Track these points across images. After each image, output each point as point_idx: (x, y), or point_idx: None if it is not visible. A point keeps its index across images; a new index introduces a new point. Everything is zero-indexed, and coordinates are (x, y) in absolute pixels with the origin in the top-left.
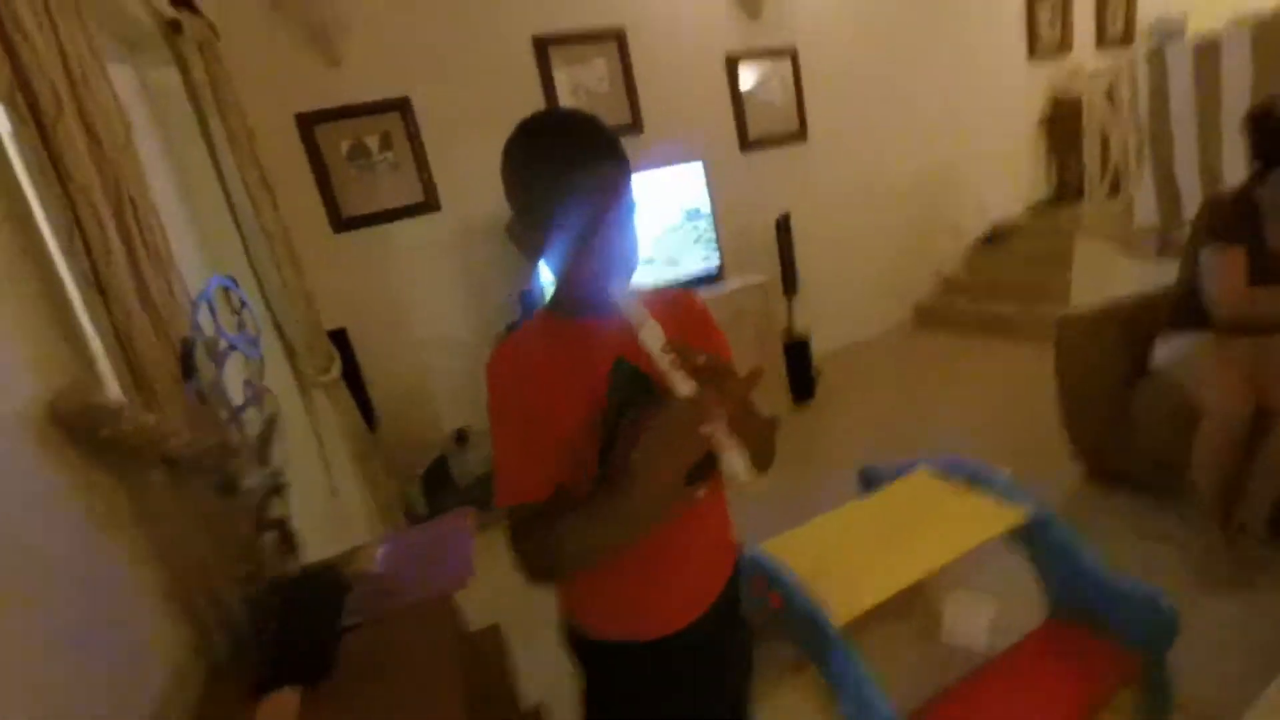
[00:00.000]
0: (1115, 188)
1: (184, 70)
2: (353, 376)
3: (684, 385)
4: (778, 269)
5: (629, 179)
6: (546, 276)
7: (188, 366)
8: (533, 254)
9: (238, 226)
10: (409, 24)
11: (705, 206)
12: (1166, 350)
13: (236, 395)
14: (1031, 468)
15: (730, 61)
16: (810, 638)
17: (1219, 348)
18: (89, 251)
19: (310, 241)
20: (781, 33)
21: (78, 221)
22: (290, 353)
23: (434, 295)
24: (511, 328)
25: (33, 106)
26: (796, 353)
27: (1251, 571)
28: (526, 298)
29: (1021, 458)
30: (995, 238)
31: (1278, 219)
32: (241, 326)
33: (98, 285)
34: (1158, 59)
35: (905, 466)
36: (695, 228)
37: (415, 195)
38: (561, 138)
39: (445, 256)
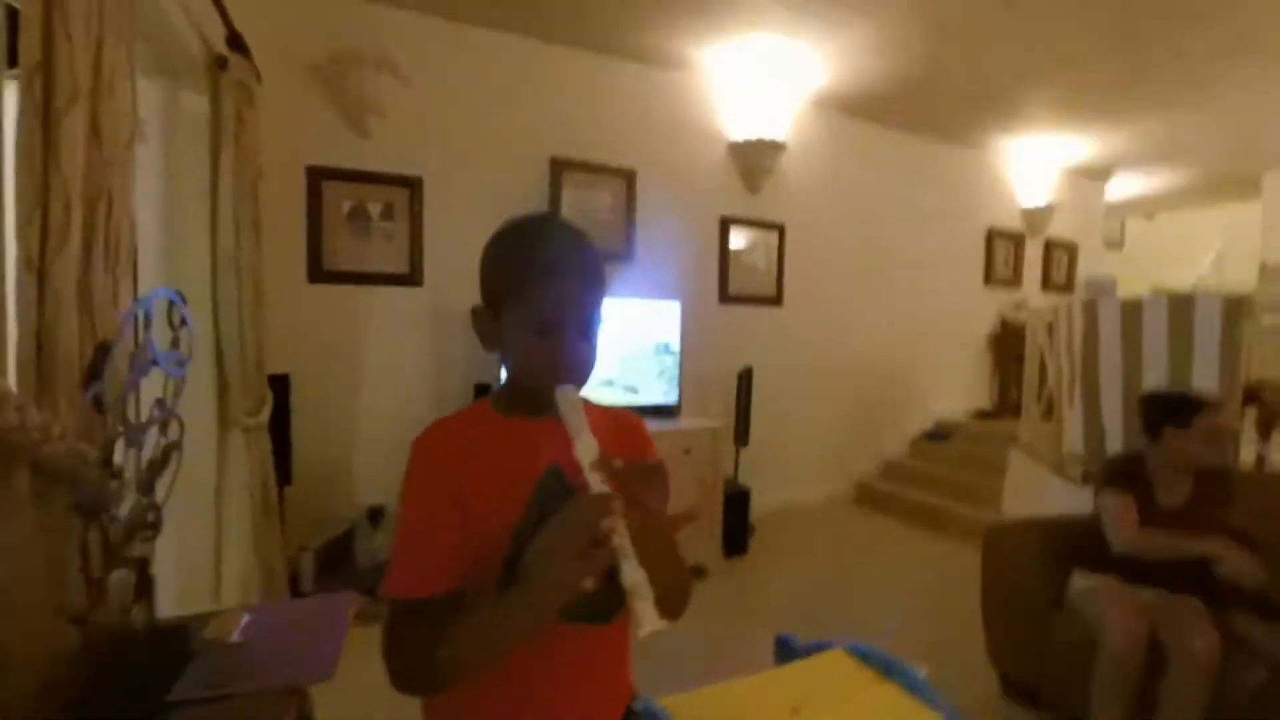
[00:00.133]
0: (1049, 412)
1: (215, 102)
2: (280, 426)
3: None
4: (732, 418)
5: (597, 295)
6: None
7: (95, 370)
8: (490, 344)
9: (213, 253)
10: (439, 118)
11: (675, 344)
12: (1078, 583)
13: (144, 414)
14: (948, 668)
15: (724, 223)
16: None
17: (1122, 588)
18: (44, 237)
19: (282, 284)
20: (775, 209)
21: (45, 206)
22: (223, 387)
23: (390, 365)
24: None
25: (49, 91)
26: (737, 504)
27: None
28: (481, 391)
29: (940, 655)
30: (938, 434)
31: (1162, 481)
32: (175, 344)
33: (39, 271)
34: (1091, 308)
35: (823, 644)
36: (661, 361)
37: (401, 266)
38: (539, 242)
39: (412, 331)
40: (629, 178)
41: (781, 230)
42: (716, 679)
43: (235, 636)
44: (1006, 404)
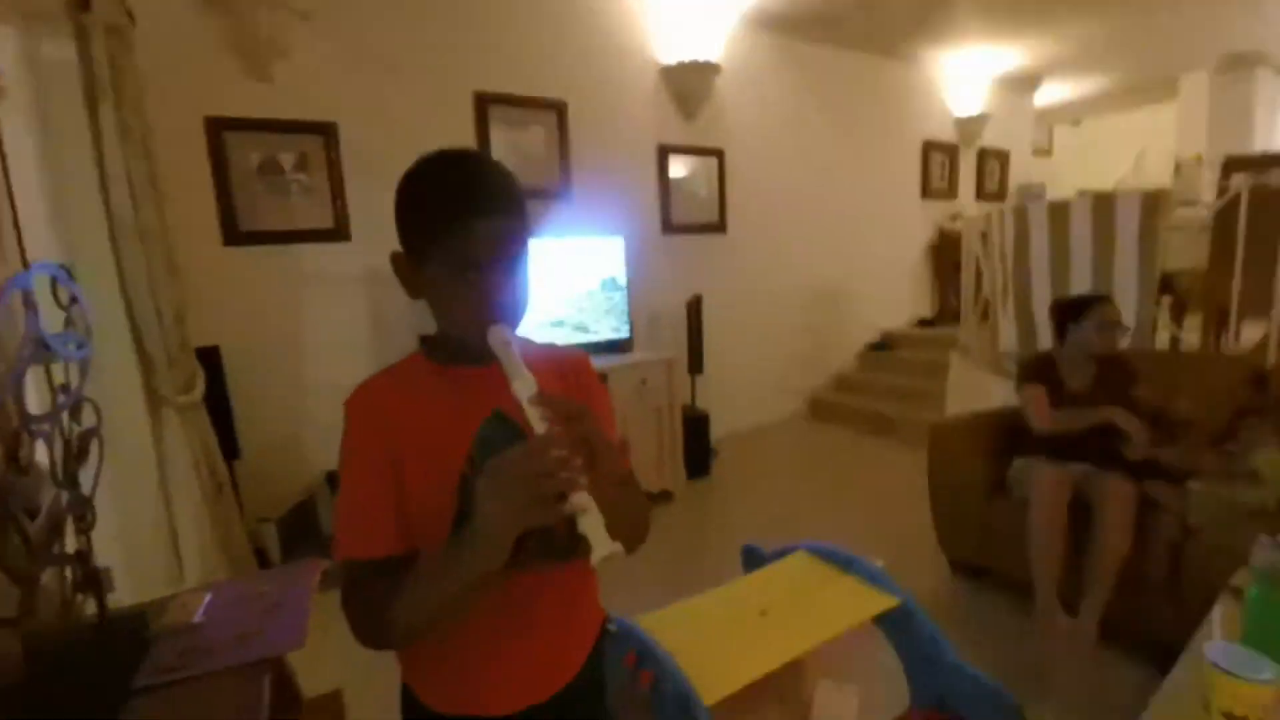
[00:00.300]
0: (985, 315)
1: (83, 49)
2: (218, 401)
3: (543, 430)
4: (685, 348)
5: (522, 229)
6: None
7: None
8: (414, 291)
9: (109, 221)
10: (352, 55)
11: (622, 279)
12: (1015, 465)
13: (45, 403)
14: (903, 560)
15: (662, 151)
16: (680, 718)
17: (1049, 463)
18: None
19: (195, 250)
20: (712, 134)
21: None
22: (147, 366)
23: (328, 327)
24: None
25: None
26: (696, 429)
27: (1088, 670)
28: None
29: (894, 549)
30: (884, 345)
31: (1070, 372)
32: (69, 324)
33: None
34: (1021, 213)
35: (785, 549)
36: (610, 298)
37: (325, 221)
38: (455, 178)
39: (347, 289)
40: (560, 109)
41: (721, 156)
42: (692, 595)
43: (198, 617)
44: (946, 311)
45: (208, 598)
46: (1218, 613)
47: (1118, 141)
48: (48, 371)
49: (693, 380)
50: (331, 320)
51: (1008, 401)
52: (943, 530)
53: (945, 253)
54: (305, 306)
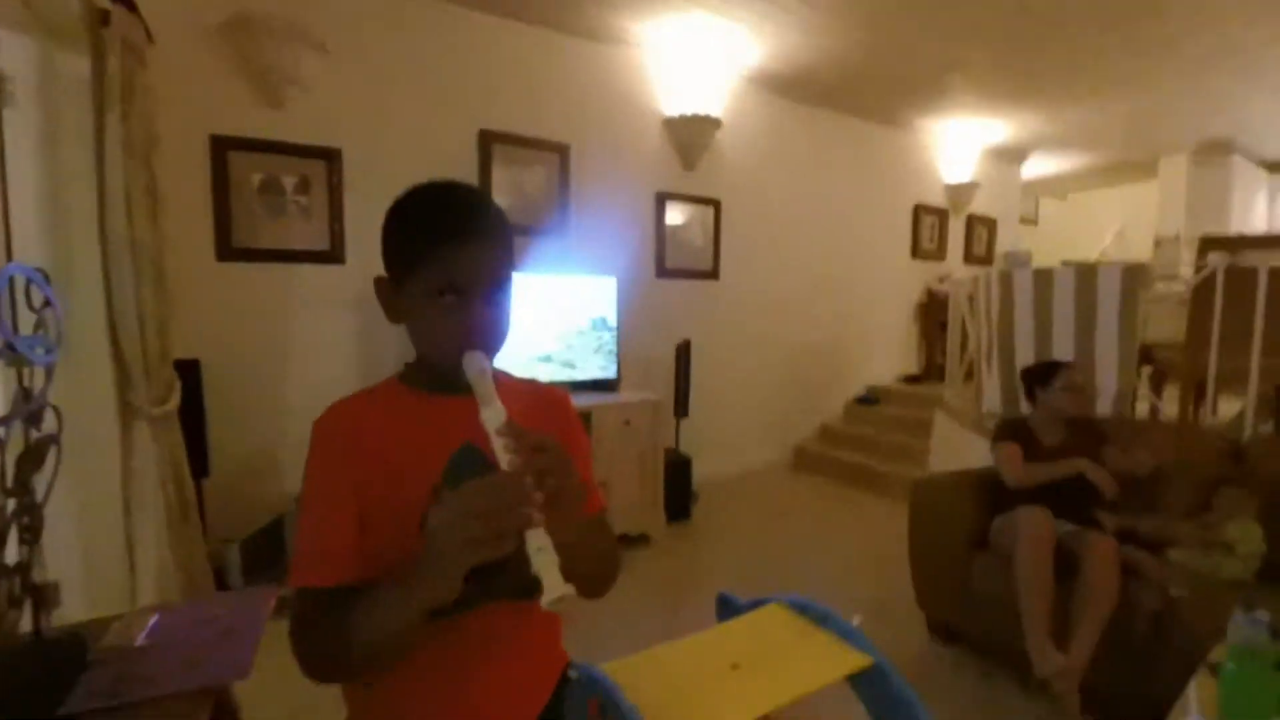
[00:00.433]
0: (970, 374)
1: (98, 63)
2: (193, 415)
3: (507, 466)
4: (671, 391)
5: (502, 259)
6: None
7: None
8: (394, 316)
9: (102, 229)
10: (363, 87)
11: (613, 319)
12: (995, 524)
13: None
14: (880, 617)
15: (660, 199)
16: None
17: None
18: None
19: (187, 263)
20: (711, 184)
21: None
22: (123, 375)
23: (313, 347)
24: None
25: None
26: (678, 472)
27: None
28: None
29: (872, 606)
30: (869, 399)
31: (1042, 433)
32: (39, 327)
33: None
34: (1007, 279)
35: (762, 600)
36: (599, 337)
37: (321, 243)
38: (438, 205)
39: (337, 311)
40: (562, 152)
41: (718, 206)
42: (663, 642)
43: (140, 640)
44: (932, 369)
45: (154, 619)
46: (1193, 688)
47: (1100, 215)
48: (20, 375)
49: (678, 424)
50: (319, 342)
51: (989, 461)
52: (922, 588)
53: (933, 312)
54: (293, 326)
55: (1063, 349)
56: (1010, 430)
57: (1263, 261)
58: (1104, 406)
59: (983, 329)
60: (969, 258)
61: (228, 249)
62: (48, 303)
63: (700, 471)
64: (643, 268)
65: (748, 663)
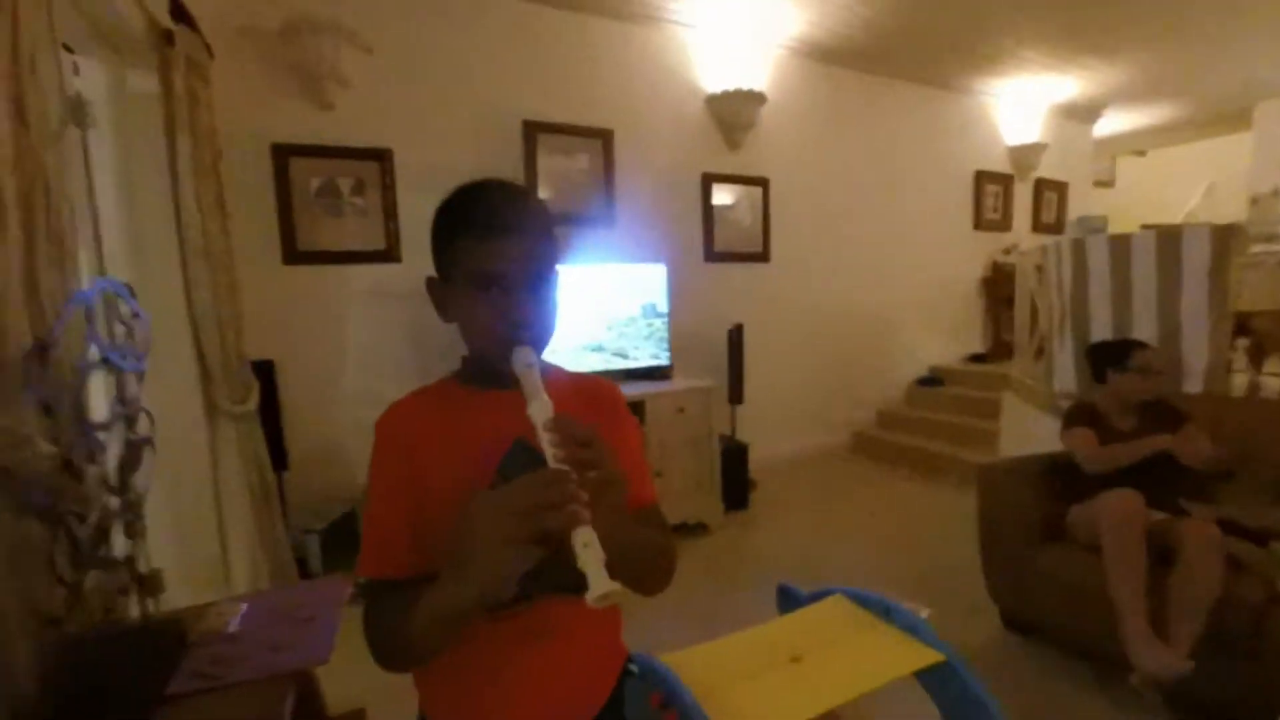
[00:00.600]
0: (1041, 352)
1: (165, 81)
2: (270, 412)
3: (553, 461)
4: (725, 376)
5: (545, 250)
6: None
7: (33, 371)
8: (445, 314)
9: (179, 239)
10: (407, 86)
11: (663, 305)
12: (1073, 513)
13: (101, 412)
14: (950, 609)
15: (706, 180)
16: None
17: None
18: None
19: (256, 268)
20: (757, 163)
21: None
22: (207, 378)
23: (376, 344)
24: None
25: None
26: (734, 459)
27: None
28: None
29: (941, 597)
30: (933, 380)
31: (1114, 414)
32: (129, 337)
33: None
34: (1079, 247)
35: (824, 592)
36: (650, 324)
37: (377, 243)
38: (479, 201)
39: (396, 308)
40: (606, 138)
41: (765, 184)
42: (723, 634)
43: (232, 627)
44: (1000, 347)
45: (244, 608)
46: None
47: (1186, 172)
48: (119, 382)
49: (732, 410)
50: (380, 338)
51: (1061, 445)
52: (993, 579)
53: (999, 286)
54: (355, 324)
55: (1144, 322)
56: (1080, 415)
57: None
58: (1193, 384)
59: (1054, 303)
60: (1037, 226)
61: (293, 252)
62: (135, 314)
63: (757, 458)
64: (691, 252)
65: (811, 656)
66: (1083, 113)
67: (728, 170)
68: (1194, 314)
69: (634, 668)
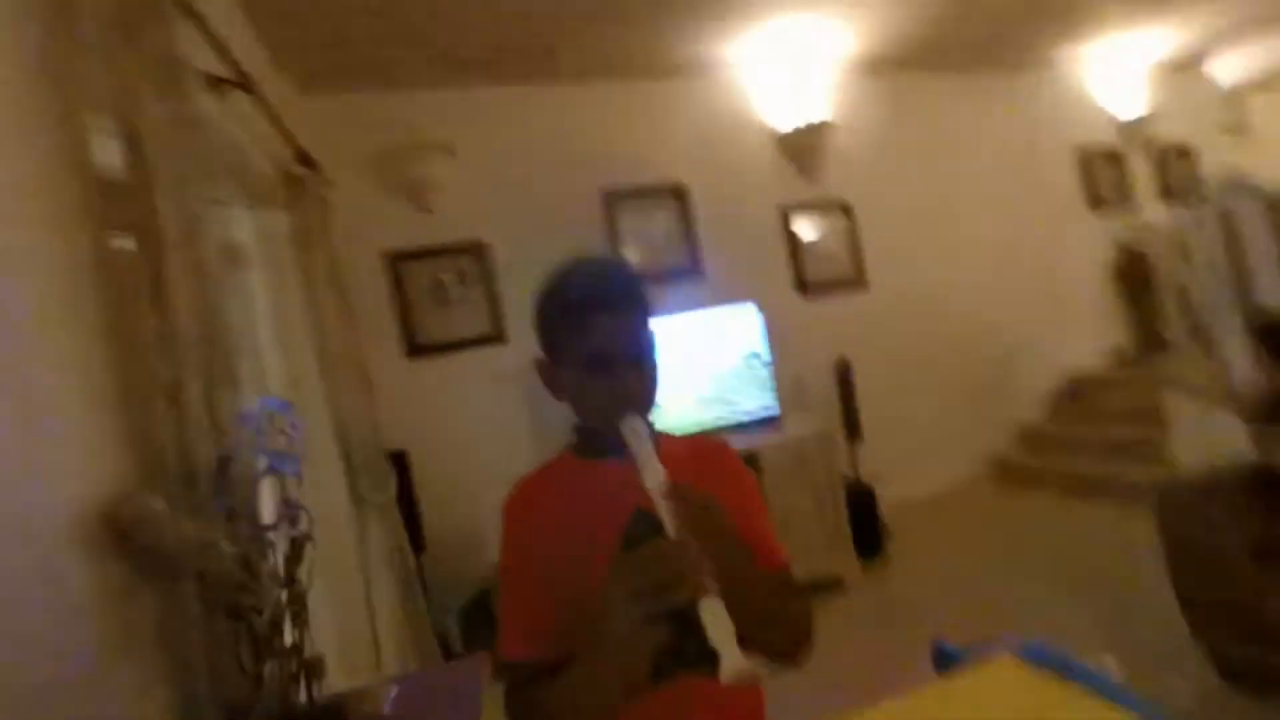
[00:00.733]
0: (1204, 341)
1: (297, 217)
2: (406, 499)
3: (672, 530)
4: (837, 414)
5: (638, 320)
6: None
7: (220, 483)
8: (556, 392)
9: (320, 350)
10: (493, 180)
11: (763, 349)
12: None
13: (269, 514)
14: (1139, 659)
15: (783, 212)
16: None
17: None
18: (178, 366)
19: (384, 365)
20: (835, 189)
21: (164, 337)
22: (352, 471)
23: (494, 424)
24: None
25: (144, 241)
26: (862, 504)
27: None
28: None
29: (1125, 645)
30: (1076, 392)
31: None
32: (289, 446)
33: (174, 399)
34: (1228, 215)
35: (984, 647)
36: (753, 370)
37: (484, 327)
38: (571, 283)
39: (508, 387)
40: (681, 193)
41: (848, 210)
42: (870, 699)
43: (387, 708)
44: (1149, 343)
45: (395, 689)
46: None
47: None
48: (282, 485)
49: (852, 449)
50: (497, 415)
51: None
52: (1197, 618)
53: (1135, 272)
54: (474, 406)
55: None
56: (1275, 408)
57: None
58: None
59: (1207, 284)
60: (1167, 195)
61: (413, 345)
62: (293, 425)
63: (888, 500)
64: (783, 291)
65: None
66: (1189, 62)
67: (806, 200)
68: None
69: None
